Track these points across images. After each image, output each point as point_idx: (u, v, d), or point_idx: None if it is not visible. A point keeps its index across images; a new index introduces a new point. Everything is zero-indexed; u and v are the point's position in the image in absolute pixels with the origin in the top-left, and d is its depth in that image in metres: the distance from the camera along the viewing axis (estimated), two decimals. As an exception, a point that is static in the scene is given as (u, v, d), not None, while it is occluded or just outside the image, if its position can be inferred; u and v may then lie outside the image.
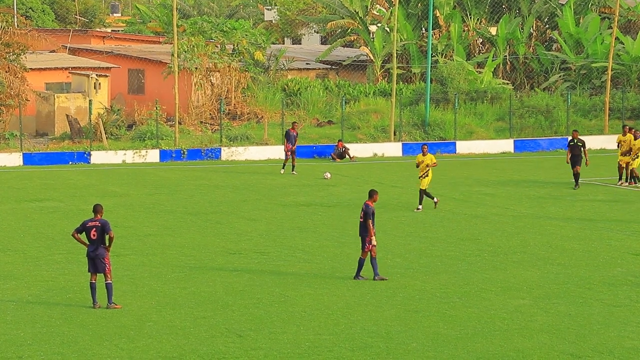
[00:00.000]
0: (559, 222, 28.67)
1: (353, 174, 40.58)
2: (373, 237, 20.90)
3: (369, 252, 21.01)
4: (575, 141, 35.11)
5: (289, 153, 39.75)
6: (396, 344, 16.73)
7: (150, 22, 76.26)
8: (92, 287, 19.03)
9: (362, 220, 21.05)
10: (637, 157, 35.52)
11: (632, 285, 20.97)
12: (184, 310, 18.87)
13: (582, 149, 34.91)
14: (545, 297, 19.93)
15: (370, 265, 21.17)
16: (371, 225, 20.89)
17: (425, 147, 31.17)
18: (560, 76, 55.86)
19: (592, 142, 49.61)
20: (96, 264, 18.94)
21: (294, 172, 39.76)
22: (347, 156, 45.70)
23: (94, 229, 18.89)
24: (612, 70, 51.76)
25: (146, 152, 45.02)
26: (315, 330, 17.56)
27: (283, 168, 40.06)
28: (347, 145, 46.16)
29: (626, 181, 35.83)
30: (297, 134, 40.36)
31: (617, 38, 52.80)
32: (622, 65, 54.28)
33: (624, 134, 35.94)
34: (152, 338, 17.05)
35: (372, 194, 21.35)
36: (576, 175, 34.97)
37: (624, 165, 35.77)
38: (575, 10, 57.36)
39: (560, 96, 52.43)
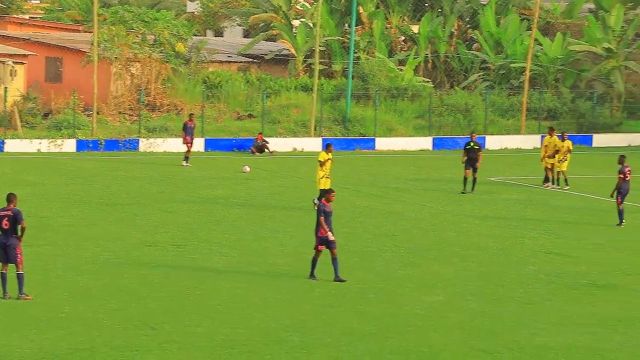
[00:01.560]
0: (475, 220, 28.98)
1: (272, 168, 40.52)
2: (329, 233, 20.43)
3: (318, 252, 20.57)
4: (472, 144, 33.81)
5: (190, 145, 39.64)
6: (311, 338, 16.74)
7: (70, 9, 75.13)
8: (3, 277, 18.70)
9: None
10: (566, 160, 35.19)
11: (543, 283, 21.30)
12: (97, 302, 18.63)
13: (477, 152, 33.71)
14: (459, 294, 20.12)
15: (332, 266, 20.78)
16: (323, 222, 20.41)
17: (331, 145, 29.67)
18: (479, 75, 56.51)
19: (509, 141, 50.40)
20: (8, 254, 18.61)
21: (186, 163, 39.39)
22: (266, 150, 45.61)
23: (6, 218, 18.57)
24: (530, 71, 52.52)
25: (62, 141, 44.37)
26: (230, 324, 17.48)
27: (187, 161, 39.65)
28: (266, 139, 46.07)
29: (553, 183, 35.84)
30: (194, 126, 40.44)
31: (536, 39, 53.59)
32: (540, 66, 55.11)
33: (550, 136, 36.06)
34: (63, 330, 16.80)
35: (327, 192, 21.13)
36: (466, 179, 33.70)
37: (550, 167, 35.60)
38: (496, 10, 58.07)
39: (479, 95, 53.02)
